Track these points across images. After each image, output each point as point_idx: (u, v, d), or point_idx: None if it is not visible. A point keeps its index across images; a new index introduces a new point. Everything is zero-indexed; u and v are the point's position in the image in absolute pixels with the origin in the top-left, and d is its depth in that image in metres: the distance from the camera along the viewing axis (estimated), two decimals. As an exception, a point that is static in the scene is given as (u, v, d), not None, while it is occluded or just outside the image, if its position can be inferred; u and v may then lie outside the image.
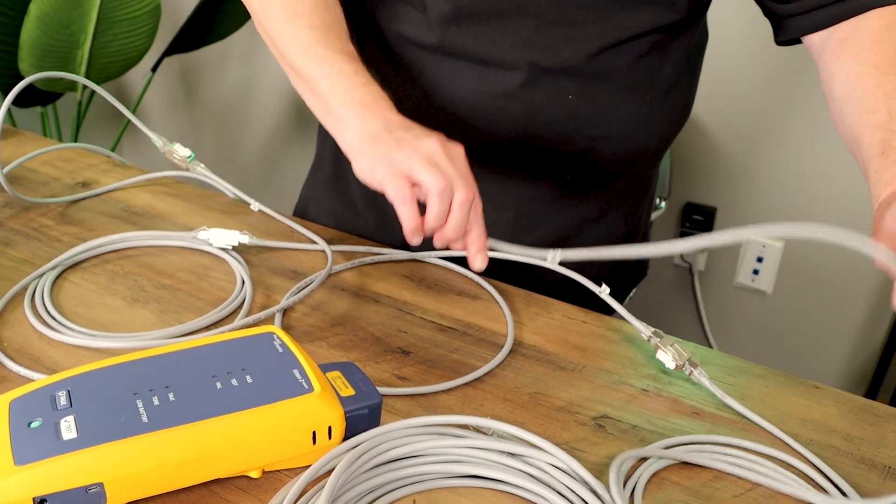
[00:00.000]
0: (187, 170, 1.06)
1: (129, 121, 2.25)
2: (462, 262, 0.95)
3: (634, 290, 1.83)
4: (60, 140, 2.16)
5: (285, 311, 0.85)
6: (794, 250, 1.93)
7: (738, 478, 0.67)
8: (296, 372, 0.64)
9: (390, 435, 0.64)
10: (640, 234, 1.16)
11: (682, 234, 2.03)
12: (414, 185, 0.72)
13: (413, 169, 0.72)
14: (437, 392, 0.74)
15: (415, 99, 0.96)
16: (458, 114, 0.94)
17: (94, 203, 1.06)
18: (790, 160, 1.86)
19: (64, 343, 0.78)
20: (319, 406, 0.63)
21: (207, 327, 0.82)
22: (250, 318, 0.81)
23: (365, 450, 0.62)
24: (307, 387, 0.63)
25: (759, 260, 1.96)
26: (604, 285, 0.82)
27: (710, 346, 2.14)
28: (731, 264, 2.02)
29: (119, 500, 0.59)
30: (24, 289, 0.86)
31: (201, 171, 1.05)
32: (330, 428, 0.63)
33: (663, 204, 1.69)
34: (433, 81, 0.94)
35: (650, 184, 1.13)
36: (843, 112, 0.81)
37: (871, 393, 1.90)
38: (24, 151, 1.14)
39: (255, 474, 0.63)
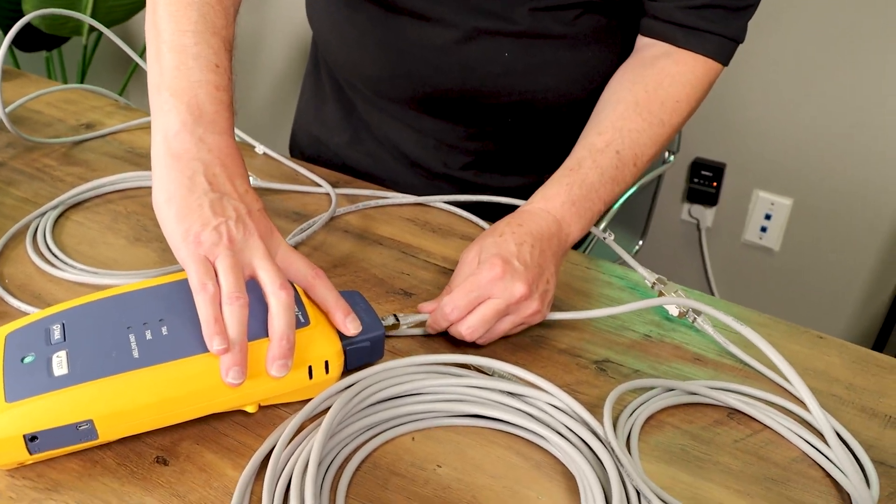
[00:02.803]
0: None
1: (135, 66, 2.23)
2: (468, 207, 0.95)
3: (641, 242, 1.83)
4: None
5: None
6: (802, 208, 1.92)
7: (738, 423, 0.67)
8: (294, 306, 0.64)
9: (389, 373, 0.64)
10: None
11: (690, 191, 2.02)
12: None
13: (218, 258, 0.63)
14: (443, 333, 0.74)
15: (367, 48, 0.98)
16: (402, 65, 0.97)
17: (98, 144, 1.05)
18: (799, 117, 1.83)
19: (65, 280, 0.77)
20: (315, 340, 0.62)
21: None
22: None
23: (363, 387, 0.62)
24: (303, 320, 0.63)
25: (768, 217, 1.95)
26: (609, 231, 0.81)
27: (715, 303, 2.13)
28: (739, 221, 2.01)
29: (111, 436, 0.58)
30: (26, 227, 0.85)
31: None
32: (327, 362, 0.63)
33: (672, 157, 1.67)
34: (383, 34, 0.97)
35: None
36: (596, 108, 0.88)
37: (878, 350, 1.90)
38: (27, 93, 1.13)
39: (251, 409, 0.62)
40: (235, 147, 0.69)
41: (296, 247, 0.85)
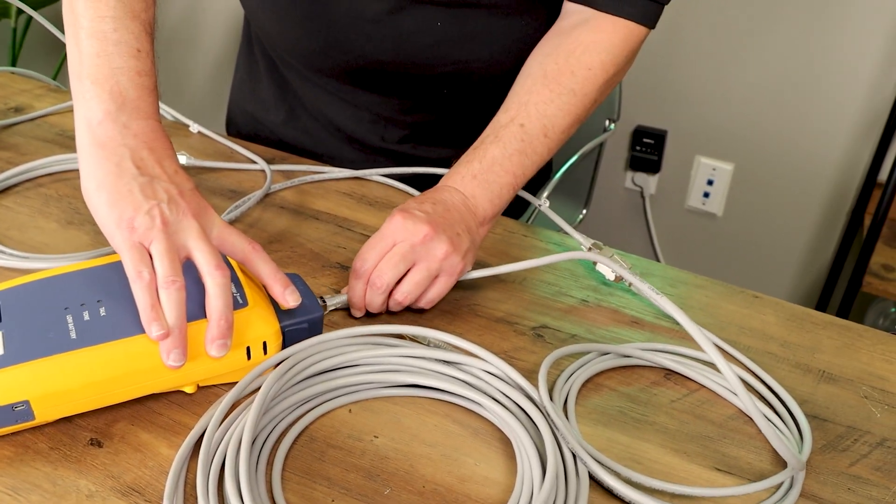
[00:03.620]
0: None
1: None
2: (404, 179, 0.94)
3: (584, 211, 1.84)
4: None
5: (223, 230, 0.83)
6: (744, 172, 1.94)
7: (675, 384, 0.67)
8: (232, 286, 0.63)
9: (324, 346, 0.64)
10: None
11: (633, 159, 2.03)
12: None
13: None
14: (374, 305, 0.73)
15: (298, 21, 0.97)
16: (334, 37, 0.95)
17: (28, 128, 1.02)
18: (738, 82, 1.85)
19: (-7, 265, 0.75)
20: (252, 321, 0.62)
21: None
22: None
23: (296, 360, 0.62)
24: (241, 301, 0.62)
25: (710, 183, 1.97)
26: (544, 198, 0.81)
27: (662, 270, 2.16)
28: (682, 187, 2.03)
29: (48, 417, 0.58)
30: (-49, 211, 0.83)
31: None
32: (265, 343, 0.62)
33: (612, 126, 1.68)
34: (312, 6, 0.95)
35: None
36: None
37: (820, 307, 1.93)
38: (-50, 74, 1.10)
39: (189, 390, 0.62)
40: (162, 130, 0.68)
41: (231, 223, 0.84)
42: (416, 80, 0.98)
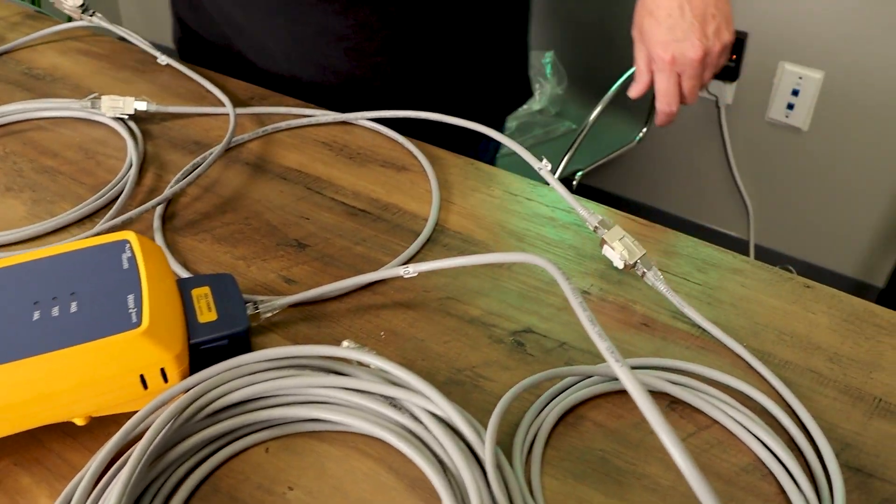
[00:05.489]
0: (80, 20, 0.91)
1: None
2: (394, 124, 0.80)
3: (644, 129, 1.65)
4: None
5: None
6: (834, 82, 1.71)
7: (681, 417, 0.53)
8: (130, 299, 0.51)
9: (236, 372, 0.52)
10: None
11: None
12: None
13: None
14: (323, 300, 0.61)
15: None
16: None
17: (-9, 62, 0.91)
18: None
19: None
20: (144, 346, 0.50)
21: (79, 222, 0.69)
22: (118, 220, 0.67)
23: (201, 392, 0.50)
24: (135, 320, 0.50)
25: (795, 93, 1.75)
26: (544, 160, 0.66)
27: (737, 188, 1.96)
28: (763, 98, 1.81)
29: None
30: None
31: (98, 21, 0.91)
32: (163, 370, 0.51)
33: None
34: None
35: None
36: None
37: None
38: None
39: (79, 422, 0.51)
40: None
41: (184, 190, 0.72)
42: None
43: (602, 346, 0.43)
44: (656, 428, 0.38)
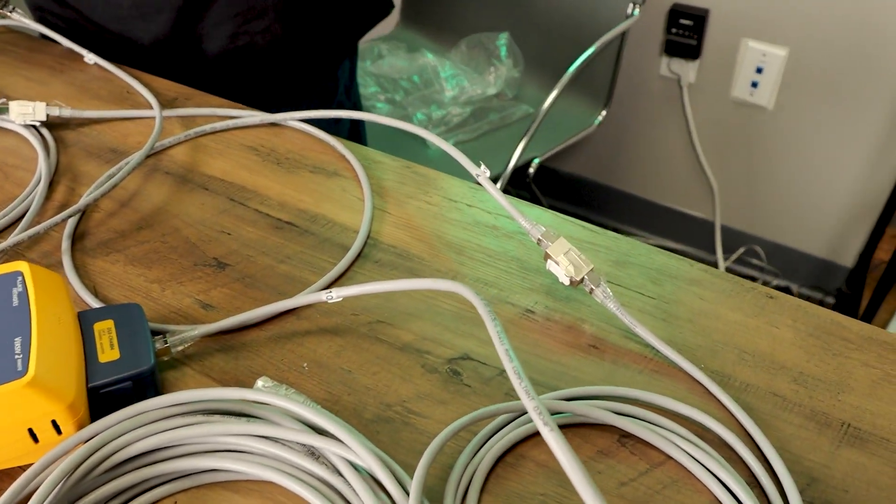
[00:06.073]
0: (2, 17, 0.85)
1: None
2: (325, 124, 0.74)
3: (604, 113, 1.60)
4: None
5: (84, 211, 0.65)
6: (799, 59, 1.67)
7: (632, 453, 0.49)
8: (17, 343, 0.46)
9: (138, 420, 0.46)
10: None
11: (669, 43, 1.76)
12: None
13: None
14: (241, 329, 0.55)
15: None
16: None
17: None
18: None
19: None
20: (30, 397, 0.44)
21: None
22: (24, 236, 0.60)
23: (96, 446, 0.45)
24: (20, 368, 0.45)
25: (759, 71, 1.70)
26: (483, 166, 0.61)
27: (702, 168, 1.92)
28: (726, 76, 1.77)
29: None
30: None
31: (17, 18, 0.84)
32: (55, 421, 0.45)
33: (636, 11, 1.42)
34: None
35: None
36: None
37: (882, 223, 1.69)
38: None
39: (-34, 476, 0.45)
40: None
41: (97, 205, 0.66)
42: None
43: (517, 383, 0.38)
44: (568, 472, 0.33)
